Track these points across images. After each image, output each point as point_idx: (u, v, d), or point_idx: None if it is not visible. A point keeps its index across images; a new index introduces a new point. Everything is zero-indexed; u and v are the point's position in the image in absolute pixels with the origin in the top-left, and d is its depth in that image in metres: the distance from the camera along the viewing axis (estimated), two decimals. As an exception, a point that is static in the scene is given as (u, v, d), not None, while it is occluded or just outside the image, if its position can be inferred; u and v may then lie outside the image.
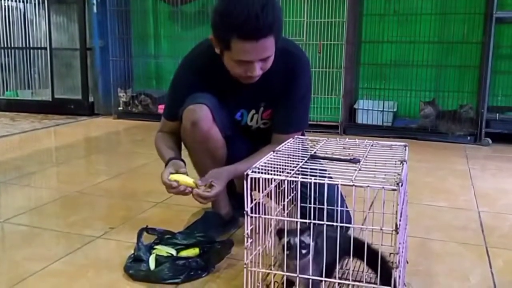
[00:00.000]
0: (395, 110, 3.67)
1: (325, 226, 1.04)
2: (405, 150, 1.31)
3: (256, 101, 1.59)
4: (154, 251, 1.41)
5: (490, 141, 3.27)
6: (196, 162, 1.63)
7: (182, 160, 1.53)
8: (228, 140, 1.58)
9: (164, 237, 1.49)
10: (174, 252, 1.42)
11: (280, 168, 1.15)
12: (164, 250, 1.42)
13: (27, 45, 4.61)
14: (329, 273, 1.12)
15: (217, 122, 1.52)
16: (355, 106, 3.73)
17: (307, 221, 1.08)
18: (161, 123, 1.69)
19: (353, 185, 1.00)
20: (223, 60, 1.42)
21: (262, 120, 1.63)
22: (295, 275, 1.08)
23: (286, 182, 1.16)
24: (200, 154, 1.57)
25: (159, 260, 1.37)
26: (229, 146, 1.59)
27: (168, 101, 1.68)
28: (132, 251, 1.42)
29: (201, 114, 1.49)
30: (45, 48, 4.44)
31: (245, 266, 1.08)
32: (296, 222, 1.11)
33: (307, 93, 1.58)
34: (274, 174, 1.10)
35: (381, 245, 1.15)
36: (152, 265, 1.35)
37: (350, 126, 3.66)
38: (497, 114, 3.38)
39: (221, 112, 1.55)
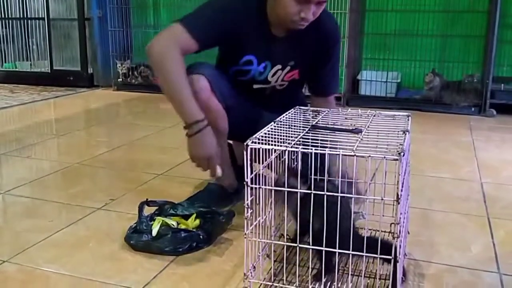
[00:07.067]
0: (398, 81, 3.61)
1: (325, 196, 1.03)
2: (408, 120, 1.28)
3: (286, 58, 1.58)
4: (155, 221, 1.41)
5: (495, 112, 3.23)
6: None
7: None
8: (230, 111, 1.55)
9: (164, 207, 1.48)
10: (174, 223, 1.42)
11: (280, 139, 1.13)
12: (164, 221, 1.42)
13: (25, 16, 4.53)
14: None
15: (216, 93, 1.50)
16: (358, 77, 3.67)
17: (308, 191, 1.07)
18: (171, 33, 1.41)
19: (355, 155, 0.99)
20: (267, 4, 1.47)
21: (282, 80, 1.61)
22: (296, 244, 1.08)
23: (286, 152, 1.14)
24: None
25: (160, 232, 1.36)
26: (231, 117, 1.56)
27: (198, 13, 1.46)
28: (134, 223, 1.42)
29: (199, 84, 1.46)
30: (43, 19, 4.36)
31: (245, 236, 1.08)
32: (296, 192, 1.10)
33: (339, 57, 1.73)
34: (275, 145, 1.09)
35: (382, 215, 1.14)
36: (154, 231, 1.34)
37: (353, 97, 3.61)
38: (502, 85, 3.32)
39: (221, 82, 1.52)
